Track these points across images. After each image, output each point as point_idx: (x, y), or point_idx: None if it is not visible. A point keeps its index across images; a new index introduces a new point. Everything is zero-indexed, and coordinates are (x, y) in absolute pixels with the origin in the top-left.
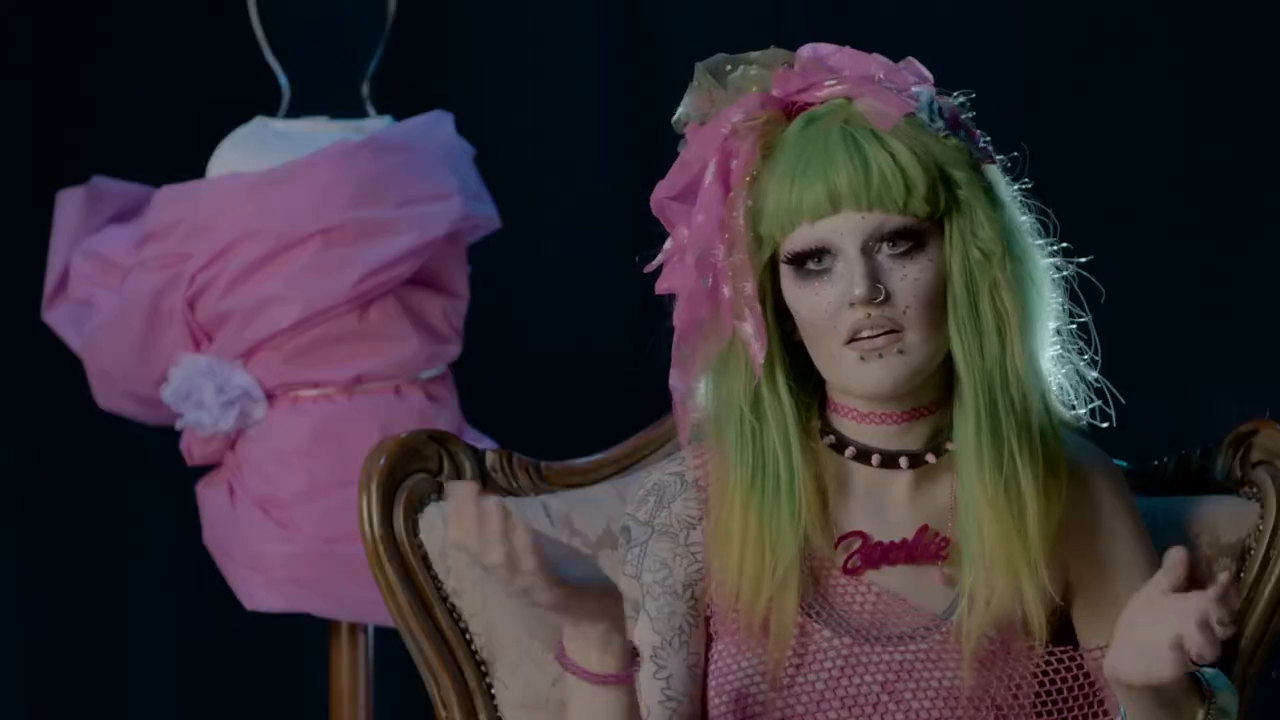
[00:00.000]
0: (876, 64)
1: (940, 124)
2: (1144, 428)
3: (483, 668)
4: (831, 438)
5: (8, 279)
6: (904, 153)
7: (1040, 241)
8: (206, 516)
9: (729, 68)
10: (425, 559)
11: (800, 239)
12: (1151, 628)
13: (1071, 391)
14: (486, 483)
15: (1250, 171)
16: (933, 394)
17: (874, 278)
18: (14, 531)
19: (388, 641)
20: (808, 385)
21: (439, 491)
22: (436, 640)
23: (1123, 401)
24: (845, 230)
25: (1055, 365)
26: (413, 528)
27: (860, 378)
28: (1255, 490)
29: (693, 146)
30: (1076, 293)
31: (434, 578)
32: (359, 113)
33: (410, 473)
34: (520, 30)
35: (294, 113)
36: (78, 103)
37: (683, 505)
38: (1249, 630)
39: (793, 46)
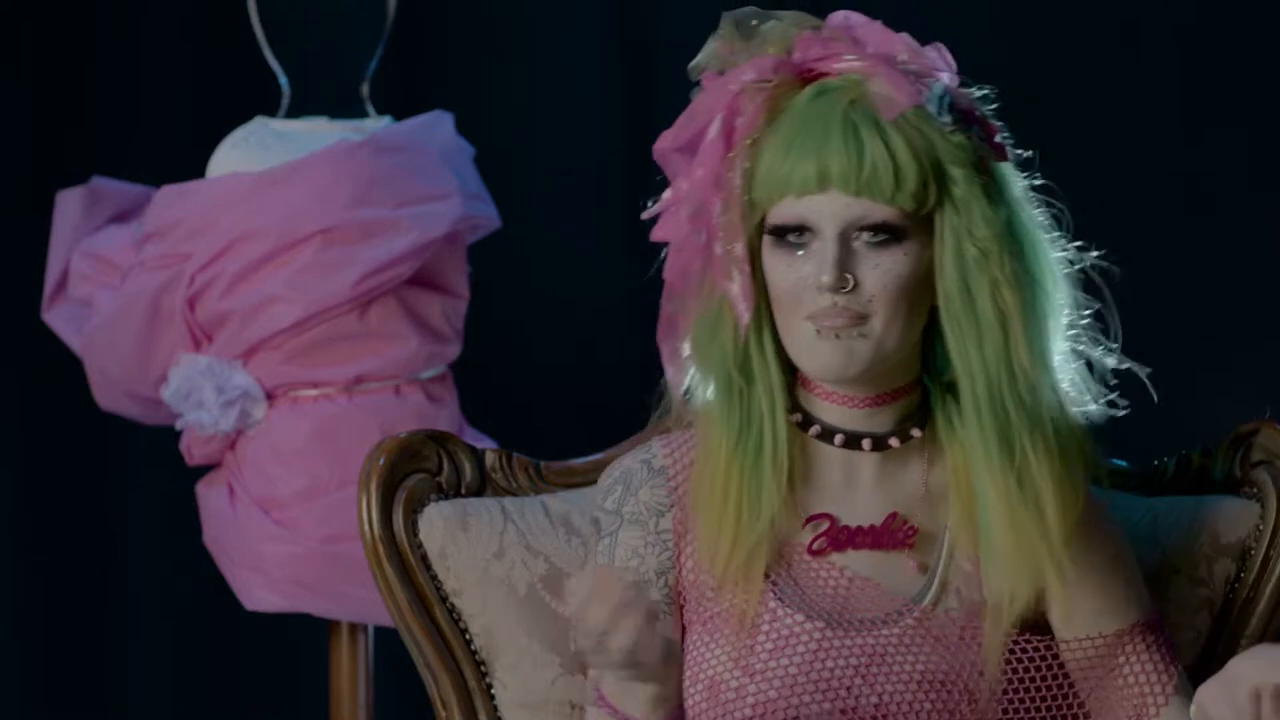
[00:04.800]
0: (902, 44)
1: (948, 118)
2: (1144, 428)
3: (482, 668)
4: (799, 415)
5: (8, 279)
6: (901, 145)
7: (1053, 236)
8: (206, 516)
9: (754, 22)
10: (425, 559)
11: (784, 212)
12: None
13: (1086, 387)
14: (486, 483)
15: (1251, 169)
16: (901, 380)
17: (843, 267)
18: (13, 530)
19: (388, 641)
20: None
21: (439, 491)
22: (436, 640)
23: (1151, 388)
24: (828, 212)
25: (1067, 361)
26: (412, 528)
27: (812, 355)
28: (1255, 490)
29: (703, 98)
30: (1097, 285)
31: (434, 578)
32: (359, 113)
33: (410, 473)
34: (520, 31)
35: (294, 113)
36: (78, 103)
37: (650, 492)
38: (1249, 630)
39: None
